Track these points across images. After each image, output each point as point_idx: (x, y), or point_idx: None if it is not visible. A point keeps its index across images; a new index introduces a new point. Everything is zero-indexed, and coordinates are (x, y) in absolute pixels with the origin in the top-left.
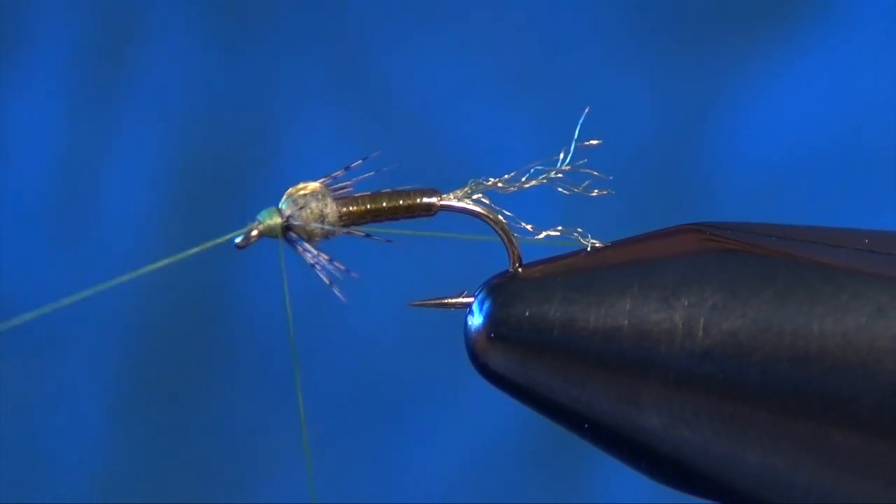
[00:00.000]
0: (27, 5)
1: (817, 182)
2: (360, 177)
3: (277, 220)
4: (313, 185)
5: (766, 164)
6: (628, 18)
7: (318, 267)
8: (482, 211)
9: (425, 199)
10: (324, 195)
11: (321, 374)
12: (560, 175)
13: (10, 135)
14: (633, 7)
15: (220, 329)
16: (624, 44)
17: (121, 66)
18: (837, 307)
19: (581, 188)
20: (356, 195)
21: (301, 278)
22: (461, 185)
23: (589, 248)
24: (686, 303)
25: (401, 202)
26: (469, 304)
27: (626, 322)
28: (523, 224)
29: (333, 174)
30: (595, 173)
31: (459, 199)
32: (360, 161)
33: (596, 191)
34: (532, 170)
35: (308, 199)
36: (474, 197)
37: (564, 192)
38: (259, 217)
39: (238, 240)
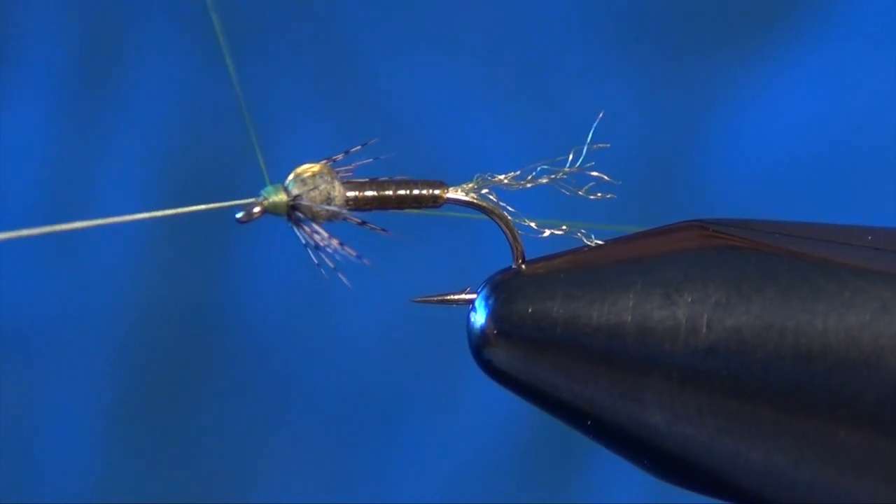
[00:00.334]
0: (15, 19)
1: (815, 184)
2: (359, 162)
3: (283, 197)
4: (318, 166)
5: (765, 166)
6: (626, 21)
7: (329, 249)
8: (487, 206)
9: (433, 191)
10: (332, 177)
11: (318, 370)
12: (564, 176)
13: None
14: (631, 10)
15: (216, 330)
16: (624, 47)
17: (110, 77)
18: (841, 304)
19: (584, 190)
20: (362, 181)
21: (298, 272)
22: (467, 180)
23: (592, 245)
24: (689, 299)
25: (409, 191)
26: (472, 301)
27: (630, 319)
28: (527, 221)
29: (333, 157)
30: (605, 177)
31: (466, 193)
32: (359, 147)
33: (600, 194)
34: (538, 169)
35: (317, 179)
36: (480, 192)
37: (567, 192)
38: (263, 193)
39: (239, 214)
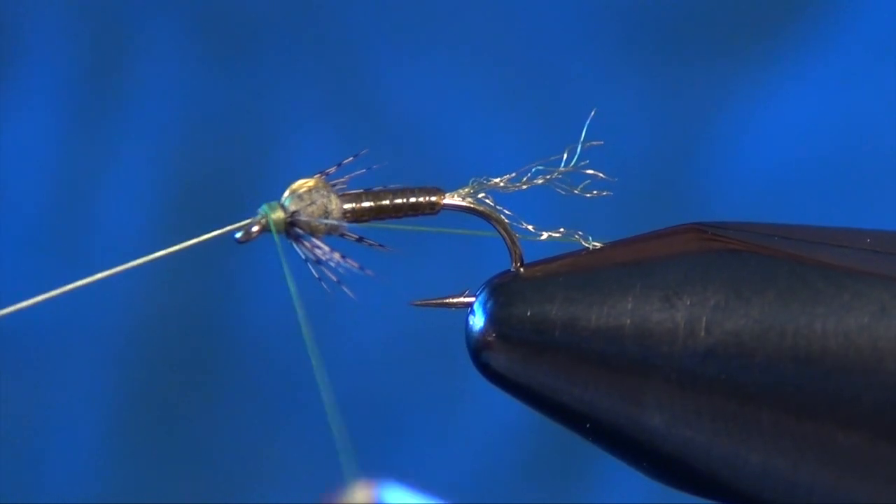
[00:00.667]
0: (20, 25)
1: (817, 189)
2: (353, 174)
3: (281, 214)
4: (314, 181)
5: (767, 170)
6: (628, 26)
7: (331, 263)
8: (485, 210)
9: (430, 198)
10: (328, 191)
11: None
12: (560, 176)
13: (3, 154)
14: (633, 14)
15: (219, 334)
16: (627, 52)
17: (114, 84)
18: (840, 307)
19: (580, 189)
20: (358, 192)
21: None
22: (463, 185)
23: (590, 248)
24: (688, 302)
25: (405, 199)
26: (471, 304)
27: (628, 321)
28: (525, 224)
29: (326, 170)
30: (601, 175)
31: (463, 198)
32: (351, 158)
33: (595, 191)
34: (533, 170)
35: (313, 194)
36: (477, 196)
37: (563, 192)
38: (260, 211)
39: (238, 235)
